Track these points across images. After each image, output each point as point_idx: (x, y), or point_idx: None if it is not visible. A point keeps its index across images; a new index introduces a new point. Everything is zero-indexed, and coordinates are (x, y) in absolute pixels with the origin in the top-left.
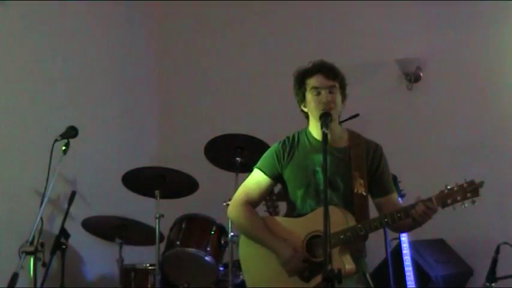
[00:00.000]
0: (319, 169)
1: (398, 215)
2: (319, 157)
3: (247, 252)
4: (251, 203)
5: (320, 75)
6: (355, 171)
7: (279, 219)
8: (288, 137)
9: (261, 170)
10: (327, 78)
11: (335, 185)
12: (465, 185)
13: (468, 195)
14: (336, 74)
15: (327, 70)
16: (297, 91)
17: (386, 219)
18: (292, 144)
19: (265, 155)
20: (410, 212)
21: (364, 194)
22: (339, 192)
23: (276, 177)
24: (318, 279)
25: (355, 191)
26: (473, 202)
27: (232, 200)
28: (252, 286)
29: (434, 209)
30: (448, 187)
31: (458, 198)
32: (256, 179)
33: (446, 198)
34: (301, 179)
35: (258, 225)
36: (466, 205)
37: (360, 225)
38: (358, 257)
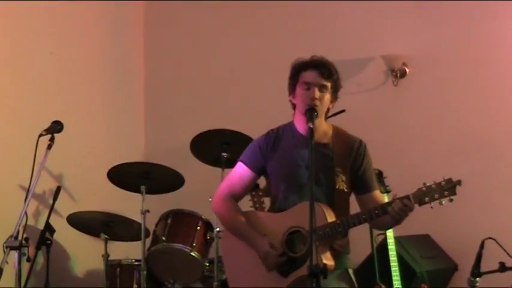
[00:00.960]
0: (302, 164)
1: (376, 211)
2: (303, 152)
3: (229, 246)
4: (234, 197)
5: (315, 71)
6: (337, 168)
7: (261, 214)
8: (272, 130)
9: (244, 163)
10: (320, 76)
11: (318, 180)
12: (443, 183)
13: (445, 193)
14: (331, 74)
15: (322, 67)
16: (290, 81)
17: (364, 216)
18: (276, 138)
19: (248, 148)
20: (387, 209)
21: (345, 190)
22: (321, 188)
23: (259, 171)
24: (296, 273)
25: (337, 187)
26: (451, 200)
27: (215, 193)
28: (233, 279)
29: (411, 207)
30: (427, 185)
31: (436, 196)
32: (240, 172)
33: (423, 196)
34: (283, 173)
35: (239, 220)
36: (443, 203)
37: (338, 222)
38: (342, 252)
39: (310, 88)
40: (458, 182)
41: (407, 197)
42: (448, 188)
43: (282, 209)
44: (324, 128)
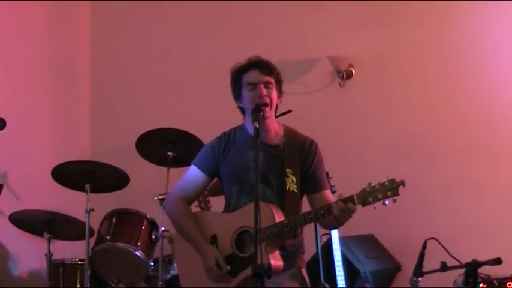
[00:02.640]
0: (252, 165)
1: (322, 212)
2: (253, 153)
3: (181, 247)
4: (187, 200)
5: (256, 70)
6: (288, 169)
7: (212, 214)
8: (224, 133)
9: (197, 166)
10: (263, 74)
11: (268, 181)
12: (386, 183)
13: (389, 193)
14: (272, 70)
15: (262, 65)
16: (234, 87)
17: (310, 216)
18: (228, 141)
19: (201, 151)
20: (331, 209)
21: (296, 191)
22: (272, 189)
23: (212, 174)
24: (244, 273)
25: (287, 188)
26: (394, 201)
27: (168, 196)
28: (184, 279)
29: (354, 208)
30: (371, 185)
31: (379, 196)
32: (193, 175)
33: (367, 196)
34: (235, 176)
35: (189, 225)
36: (387, 204)
37: (285, 221)
38: (294, 252)
39: (255, 87)
40: (402, 183)
41: (351, 197)
42: (391, 188)
43: (235, 210)
44: (275, 128)
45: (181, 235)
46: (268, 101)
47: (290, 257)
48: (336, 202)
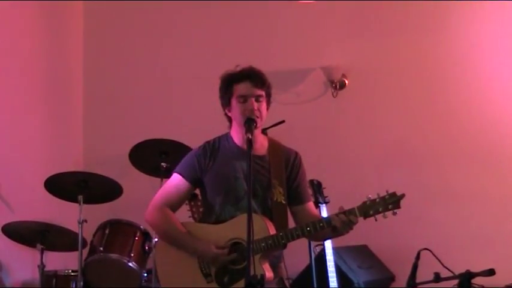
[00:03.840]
0: (239, 176)
1: (321, 224)
2: (240, 164)
3: (165, 257)
4: (170, 207)
5: (248, 82)
6: (274, 179)
7: (199, 225)
8: (208, 142)
9: (180, 174)
10: (255, 87)
11: (255, 192)
12: (387, 196)
13: (390, 206)
14: (263, 82)
15: (255, 78)
16: (223, 94)
17: (308, 228)
18: (213, 150)
19: (185, 159)
20: (332, 222)
21: (283, 202)
22: (258, 199)
23: (196, 182)
24: (236, 285)
25: (275, 199)
26: (394, 213)
27: (150, 204)
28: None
29: (356, 221)
30: (371, 198)
31: (380, 209)
32: (176, 183)
33: (368, 209)
34: (221, 185)
35: (177, 228)
36: (387, 216)
37: (281, 234)
38: (276, 262)
39: (247, 100)
40: (402, 196)
41: (352, 210)
42: (392, 201)
43: (219, 220)
44: (260, 139)
45: (167, 240)
46: (258, 114)
47: (273, 266)
48: (337, 214)
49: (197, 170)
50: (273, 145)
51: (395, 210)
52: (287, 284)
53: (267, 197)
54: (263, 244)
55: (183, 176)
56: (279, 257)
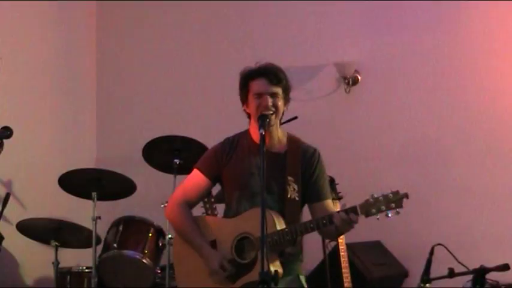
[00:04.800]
0: (255, 172)
1: (324, 221)
2: (257, 160)
3: (180, 251)
4: (188, 204)
5: (263, 79)
6: (289, 177)
7: (212, 219)
8: (228, 138)
9: (200, 170)
10: (270, 84)
11: (270, 188)
12: (390, 195)
13: (392, 205)
14: (280, 79)
15: (271, 75)
16: (241, 91)
17: (312, 225)
18: (232, 146)
19: (205, 155)
20: (333, 219)
21: (297, 199)
22: (273, 196)
23: (215, 178)
24: (244, 279)
25: (288, 196)
26: (397, 213)
27: (170, 200)
28: (182, 284)
29: (356, 219)
30: (374, 196)
31: (383, 208)
32: (195, 179)
33: (370, 208)
34: (237, 181)
35: (191, 229)
36: (390, 215)
37: (286, 230)
38: (292, 260)
39: (261, 97)
40: (405, 195)
41: (354, 208)
42: (395, 200)
43: (236, 215)
44: (279, 135)
45: (181, 237)
46: (273, 110)
47: (288, 263)
48: (338, 212)
49: (216, 166)
50: (292, 141)
51: (398, 210)
52: (304, 283)
53: (281, 194)
54: (269, 239)
55: (202, 172)
56: (297, 254)
